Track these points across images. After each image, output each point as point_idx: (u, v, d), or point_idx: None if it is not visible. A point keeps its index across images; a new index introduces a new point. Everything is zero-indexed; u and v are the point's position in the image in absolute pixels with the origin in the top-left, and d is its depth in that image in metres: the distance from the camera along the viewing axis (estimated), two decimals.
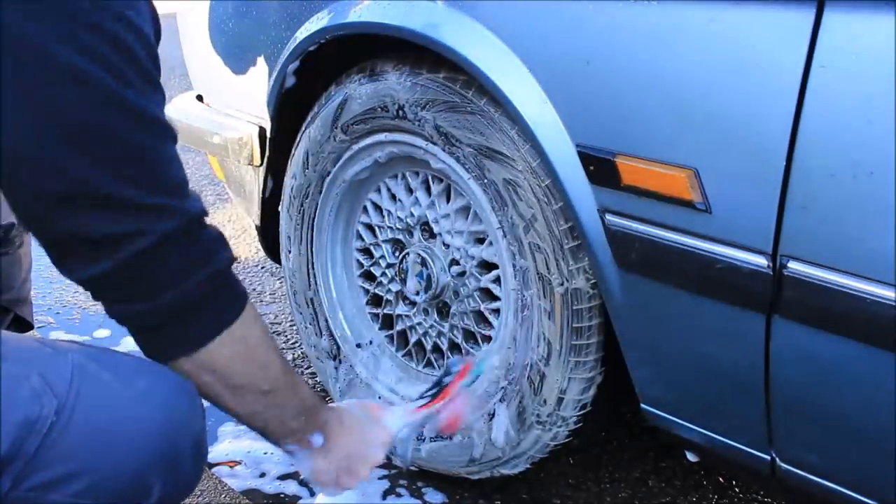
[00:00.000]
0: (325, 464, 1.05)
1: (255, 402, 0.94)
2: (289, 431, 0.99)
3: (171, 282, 0.82)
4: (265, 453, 1.61)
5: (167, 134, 0.82)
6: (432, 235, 1.44)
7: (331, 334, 1.62)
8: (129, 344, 2.07)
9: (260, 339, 0.92)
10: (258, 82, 1.57)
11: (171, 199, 0.81)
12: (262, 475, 1.55)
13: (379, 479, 1.55)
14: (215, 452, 1.59)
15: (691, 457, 1.34)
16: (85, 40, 0.73)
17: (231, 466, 1.57)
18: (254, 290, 2.39)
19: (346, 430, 1.06)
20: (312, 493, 1.50)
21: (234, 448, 1.62)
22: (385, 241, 1.53)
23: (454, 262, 1.41)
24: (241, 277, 2.46)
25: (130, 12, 0.77)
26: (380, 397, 1.56)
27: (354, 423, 1.09)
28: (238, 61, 1.64)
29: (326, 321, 1.62)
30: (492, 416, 1.37)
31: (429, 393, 1.23)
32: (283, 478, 1.54)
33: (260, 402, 0.94)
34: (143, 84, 0.78)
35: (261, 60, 1.56)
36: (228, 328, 0.88)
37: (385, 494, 1.50)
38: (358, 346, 1.60)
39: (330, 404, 1.08)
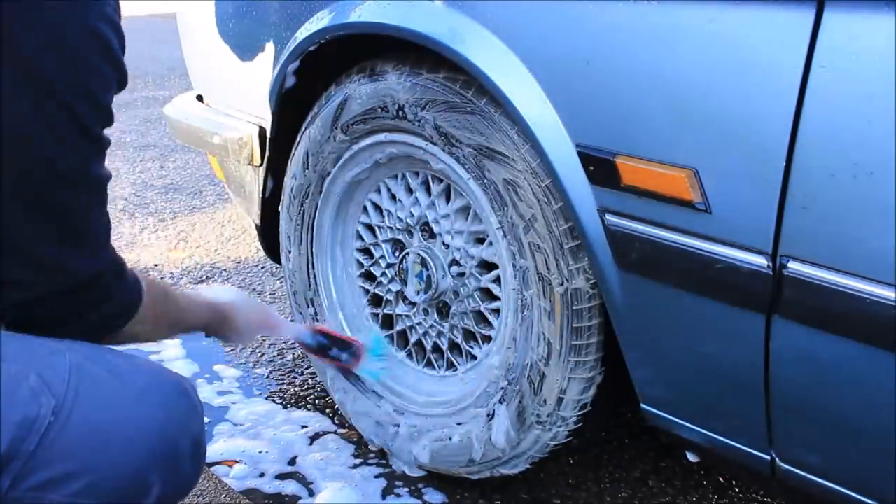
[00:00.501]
0: (244, 334, 1.29)
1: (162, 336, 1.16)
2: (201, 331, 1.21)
3: (69, 318, 0.91)
4: (260, 452, 1.61)
5: (91, 183, 0.88)
6: (432, 235, 1.44)
7: None
8: None
9: (158, 313, 1.02)
10: (258, 82, 1.57)
11: (94, 250, 0.90)
12: (262, 475, 1.55)
13: (375, 477, 1.55)
14: (210, 452, 1.59)
15: (691, 457, 1.34)
16: (54, 117, 0.79)
17: (230, 465, 1.57)
18: (254, 290, 2.39)
19: (242, 329, 1.28)
20: (312, 494, 1.50)
21: (228, 447, 1.62)
22: (385, 242, 1.53)
23: (454, 262, 1.41)
24: (241, 277, 2.47)
25: (92, 81, 0.82)
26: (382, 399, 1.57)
27: (239, 320, 1.27)
28: (238, 61, 1.64)
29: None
30: (490, 416, 1.37)
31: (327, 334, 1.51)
32: (282, 477, 1.54)
33: (163, 337, 1.17)
34: (89, 149, 0.85)
35: (261, 60, 1.56)
36: (128, 324, 0.97)
37: (384, 494, 1.50)
38: None
39: (223, 307, 1.25)
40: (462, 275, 1.41)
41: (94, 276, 0.90)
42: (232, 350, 2.03)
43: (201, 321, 1.19)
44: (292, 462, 1.59)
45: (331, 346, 1.50)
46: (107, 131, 0.88)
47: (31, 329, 0.90)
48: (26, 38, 0.75)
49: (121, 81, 0.87)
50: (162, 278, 2.44)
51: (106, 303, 0.93)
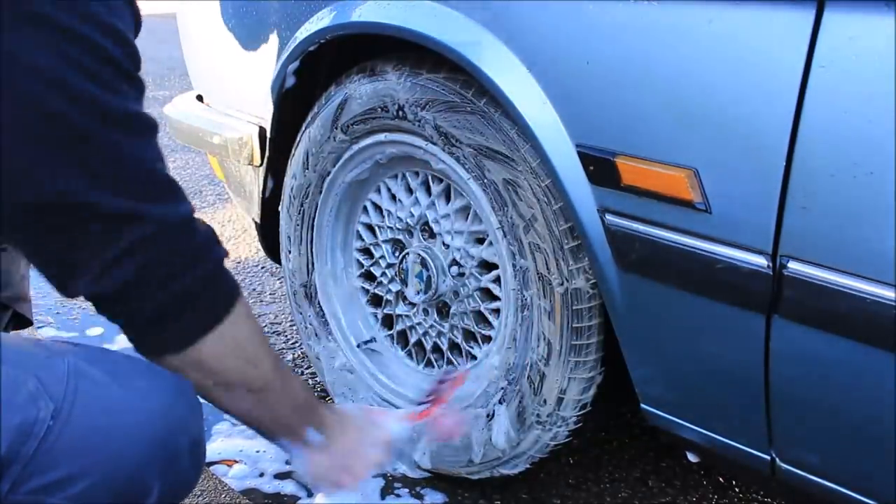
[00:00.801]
0: (323, 461, 1.04)
1: (245, 399, 0.94)
2: (281, 428, 0.99)
3: (159, 284, 0.82)
4: (258, 451, 1.61)
5: (146, 128, 0.81)
6: (432, 235, 1.44)
7: (330, 333, 1.62)
8: (122, 342, 2.08)
9: (250, 337, 0.91)
10: (258, 82, 1.57)
11: (155, 203, 0.80)
12: (261, 475, 1.55)
13: (375, 477, 1.54)
14: (209, 451, 1.59)
15: (692, 457, 1.34)
16: (60, 45, 0.73)
17: (229, 465, 1.57)
18: (254, 290, 2.39)
19: (346, 430, 1.06)
20: (310, 494, 1.50)
21: (226, 447, 1.62)
22: (385, 241, 1.53)
23: (454, 262, 1.41)
24: (240, 277, 2.47)
25: (101, 9, 0.76)
26: (384, 400, 1.57)
27: (354, 424, 1.08)
28: (238, 61, 1.64)
29: (326, 321, 1.62)
30: (490, 416, 1.37)
31: (427, 399, 1.22)
32: (281, 477, 1.54)
33: (250, 400, 0.94)
34: (121, 83, 0.78)
35: (261, 60, 1.56)
36: (218, 326, 0.87)
37: (384, 494, 1.50)
38: (358, 346, 1.60)
39: (329, 405, 1.07)
40: (462, 275, 1.41)
41: (182, 222, 0.82)
42: None
43: (299, 389, 0.99)
44: (290, 462, 1.59)
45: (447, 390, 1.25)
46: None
47: (117, 305, 0.83)
48: None
49: (136, 19, 0.82)
50: None
51: (199, 262, 0.84)
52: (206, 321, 0.87)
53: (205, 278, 0.86)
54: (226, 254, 0.89)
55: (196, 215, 0.86)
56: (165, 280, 0.82)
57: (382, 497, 1.50)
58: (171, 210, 0.82)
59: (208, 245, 0.87)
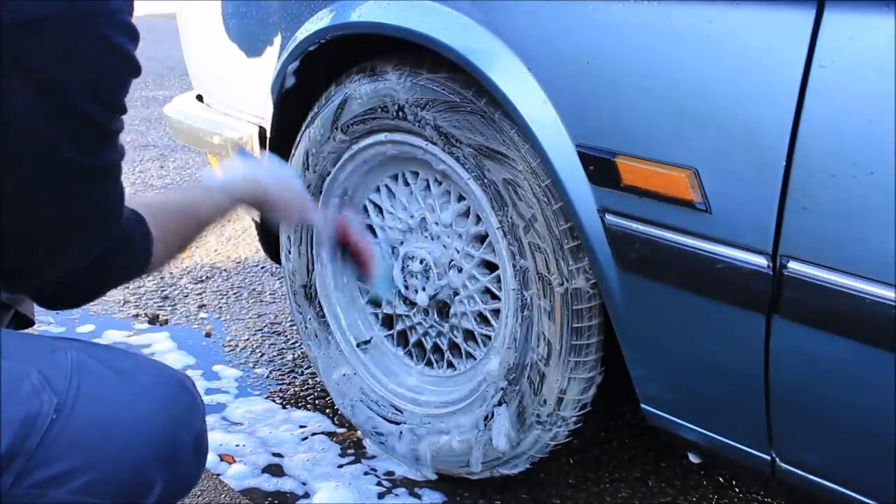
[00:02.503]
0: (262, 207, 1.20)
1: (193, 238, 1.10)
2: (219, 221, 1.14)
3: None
4: (258, 451, 1.61)
5: (110, 172, 0.87)
6: (432, 235, 1.44)
7: (330, 333, 1.62)
8: (110, 337, 2.08)
9: (166, 236, 1.00)
10: (258, 82, 1.57)
11: (97, 245, 0.88)
12: (261, 474, 1.55)
13: (372, 476, 1.55)
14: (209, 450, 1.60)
15: (693, 458, 1.34)
16: (70, 125, 0.79)
17: (230, 462, 1.58)
18: (254, 290, 2.40)
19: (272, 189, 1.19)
20: (310, 493, 1.50)
21: (226, 447, 1.63)
22: (385, 241, 1.53)
23: (454, 262, 1.41)
24: (240, 277, 2.47)
25: (117, 97, 0.82)
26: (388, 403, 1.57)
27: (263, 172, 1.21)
28: (238, 60, 1.64)
29: (326, 321, 1.62)
30: (490, 416, 1.37)
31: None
32: (281, 476, 1.54)
33: (194, 238, 1.10)
34: (100, 145, 0.84)
35: (261, 60, 1.56)
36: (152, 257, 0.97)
37: (383, 494, 1.50)
38: (358, 346, 1.60)
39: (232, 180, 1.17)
40: (462, 275, 1.41)
41: (104, 254, 0.89)
42: (231, 350, 2.03)
43: (217, 208, 1.12)
44: (290, 461, 1.59)
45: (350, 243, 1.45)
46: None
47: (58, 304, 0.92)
48: (39, 58, 0.74)
49: (137, 74, 0.86)
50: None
51: (122, 269, 0.94)
52: (143, 266, 0.97)
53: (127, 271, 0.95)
54: (142, 255, 0.97)
55: (131, 231, 0.94)
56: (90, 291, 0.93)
57: (381, 497, 1.50)
58: (106, 240, 0.89)
59: (139, 250, 0.95)
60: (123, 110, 0.85)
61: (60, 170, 0.80)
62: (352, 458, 1.61)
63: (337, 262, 1.56)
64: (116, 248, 0.91)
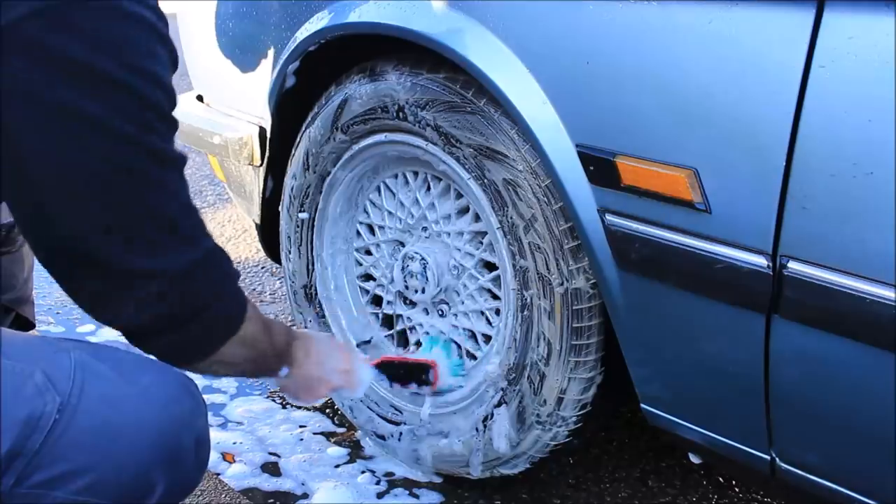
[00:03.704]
0: (288, 384, 1.16)
1: (245, 371, 1.06)
2: (263, 373, 1.09)
3: (171, 327, 0.86)
4: (258, 451, 1.61)
5: (176, 162, 0.85)
6: (432, 235, 1.44)
7: (330, 333, 1.62)
8: (111, 337, 2.08)
9: (254, 334, 0.96)
10: (258, 82, 1.57)
11: (165, 257, 0.83)
12: (260, 474, 1.55)
13: (372, 476, 1.55)
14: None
15: (694, 458, 1.34)
16: (109, 97, 0.76)
17: (230, 461, 1.58)
18: (254, 290, 2.39)
19: (310, 359, 1.14)
20: (310, 493, 1.50)
21: (225, 446, 1.62)
22: (385, 241, 1.53)
23: (454, 261, 1.41)
24: (240, 277, 2.47)
25: (149, 62, 0.79)
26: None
27: (318, 352, 1.16)
28: (238, 61, 1.64)
29: (326, 321, 1.62)
30: (491, 415, 1.37)
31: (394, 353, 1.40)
32: (280, 476, 1.54)
33: (248, 370, 1.06)
34: (161, 124, 0.81)
35: (261, 60, 1.56)
36: (235, 335, 0.92)
37: (382, 494, 1.51)
38: (358, 345, 1.60)
39: (297, 332, 1.15)
40: (462, 275, 1.41)
41: (191, 269, 0.85)
42: None
43: (281, 342, 1.06)
44: (290, 461, 1.59)
45: (404, 373, 1.42)
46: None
47: (141, 344, 0.88)
48: (71, 48, 0.73)
49: (174, 59, 0.85)
50: None
51: (216, 302, 0.89)
52: (219, 341, 0.91)
53: (217, 316, 0.90)
54: (237, 274, 0.94)
55: (214, 245, 0.90)
56: (176, 325, 0.86)
57: (380, 497, 1.50)
58: (183, 259, 0.85)
59: (220, 284, 0.90)
60: (167, 85, 0.82)
61: (119, 146, 0.78)
62: (350, 458, 1.61)
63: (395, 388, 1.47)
64: (209, 270, 0.87)
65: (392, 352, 1.58)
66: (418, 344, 1.50)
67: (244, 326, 0.93)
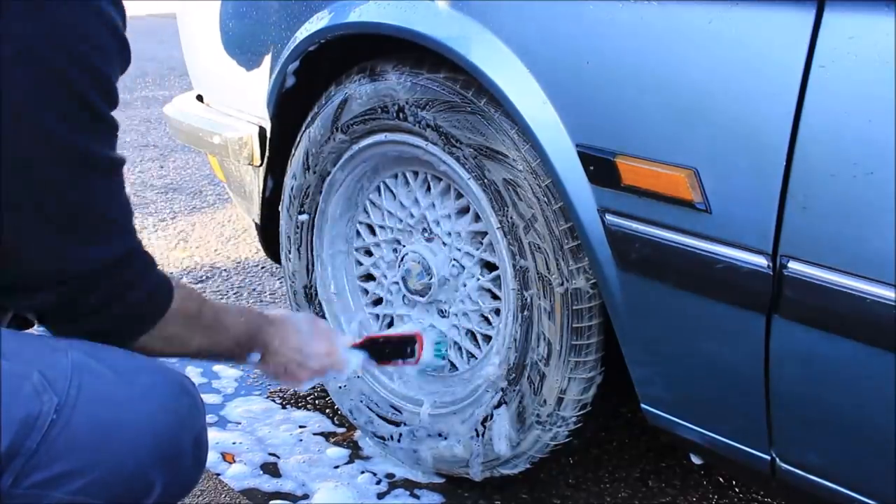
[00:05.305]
0: (265, 369, 1.14)
1: (193, 356, 1.04)
2: (223, 359, 1.13)
3: (87, 312, 0.88)
4: (258, 451, 1.61)
5: (108, 168, 0.85)
6: (432, 235, 1.44)
7: None
8: None
9: (177, 333, 0.96)
10: (258, 82, 1.57)
11: (85, 245, 0.85)
12: (260, 474, 1.55)
13: (372, 476, 1.55)
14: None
15: (695, 459, 1.34)
16: (58, 99, 0.77)
17: (230, 461, 1.58)
18: (254, 290, 2.39)
19: (286, 344, 1.13)
20: (310, 493, 1.50)
21: (225, 446, 1.62)
22: (385, 241, 1.53)
23: (454, 261, 1.41)
24: (241, 277, 2.47)
25: (88, 50, 0.79)
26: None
27: (295, 336, 1.15)
28: (238, 61, 1.64)
29: (326, 320, 1.62)
30: (490, 416, 1.37)
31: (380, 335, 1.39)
32: (280, 476, 1.54)
33: (196, 357, 1.04)
34: (96, 125, 0.82)
35: (261, 60, 1.56)
36: (147, 333, 0.92)
37: (382, 495, 1.50)
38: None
39: (272, 317, 1.13)
40: (462, 274, 1.41)
41: (113, 263, 0.86)
42: None
43: (241, 329, 1.06)
44: (289, 461, 1.59)
45: (389, 351, 1.40)
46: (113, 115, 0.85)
47: (54, 326, 0.89)
48: (19, 25, 0.73)
49: (124, 57, 0.85)
50: None
51: (130, 291, 0.88)
52: (135, 333, 0.92)
53: (131, 306, 0.90)
54: (154, 286, 0.93)
55: (138, 247, 0.91)
56: (92, 309, 0.87)
57: (380, 497, 1.50)
58: (108, 250, 0.86)
59: (139, 278, 0.90)
60: (113, 92, 0.83)
61: (47, 147, 0.78)
62: (350, 458, 1.61)
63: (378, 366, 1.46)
64: (125, 269, 0.88)
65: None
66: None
67: (158, 326, 0.92)
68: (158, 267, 0.93)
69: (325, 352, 1.19)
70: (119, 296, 0.88)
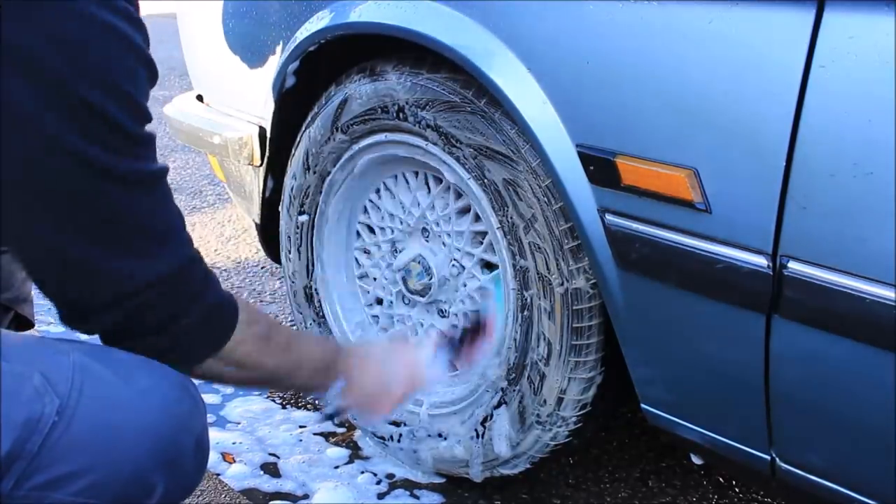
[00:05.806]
0: (346, 404, 1.11)
1: (265, 380, 1.02)
2: (301, 390, 1.09)
3: (151, 329, 0.87)
4: (257, 451, 1.61)
5: (150, 182, 0.85)
6: (432, 235, 1.44)
7: (330, 334, 1.61)
8: None
9: (249, 354, 0.95)
10: (258, 82, 1.57)
11: (145, 258, 0.84)
12: (260, 474, 1.55)
13: (372, 476, 1.55)
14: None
15: (696, 460, 1.34)
16: (73, 113, 0.76)
17: (230, 461, 1.58)
18: (254, 290, 2.39)
19: (364, 373, 1.11)
20: (310, 493, 1.50)
21: (225, 446, 1.62)
22: (385, 241, 1.53)
23: (454, 261, 1.41)
24: (241, 277, 2.47)
25: (118, 77, 0.79)
26: None
27: (374, 365, 1.13)
28: (238, 61, 1.64)
29: (326, 322, 1.62)
30: (490, 416, 1.37)
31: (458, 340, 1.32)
32: (280, 476, 1.54)
33: (276, 386, 1.04)
34: (129, 146, 0.81)
35: (261, 60, 1.56)
36: (215, 354, 0.92)
37: (382, 495, 1.50)
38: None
39: (351, 349, 1.10)
40: (462, 274, 1.41)
41: (168, 277, 0.85)
42: None
43: (317, 356, 1.03)
44: (289, 461, 1.59)
45: (466, 337, 1.34)
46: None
47: (119, 347, 0.88)
48: (26, 38, 0.74)
49: (151, 72, 0.85)
50: None
51: (192, 305, 0.87)
52: (202, 353, 0.91)
53: (197, 322, 0.89)
54: (220, 299, 0.92)
55: (196, 257, 0.89)
56: (156, 326, 0.87)
57: (380, 497, 1.50)
58: (161, 263, 0.85)
59: (202, 290, 0.90)
60: (141, 108, 0.82)
61: (74, 167, 0.77)
62: (350, 458, 1.61)
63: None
64: (181, 284, 0.86)
65: None
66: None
67: (228, 346, 0.92)
68: (216, 278, 0.92)
69: (407, 372, 1.17)
70: (180, 312, 0.87)
